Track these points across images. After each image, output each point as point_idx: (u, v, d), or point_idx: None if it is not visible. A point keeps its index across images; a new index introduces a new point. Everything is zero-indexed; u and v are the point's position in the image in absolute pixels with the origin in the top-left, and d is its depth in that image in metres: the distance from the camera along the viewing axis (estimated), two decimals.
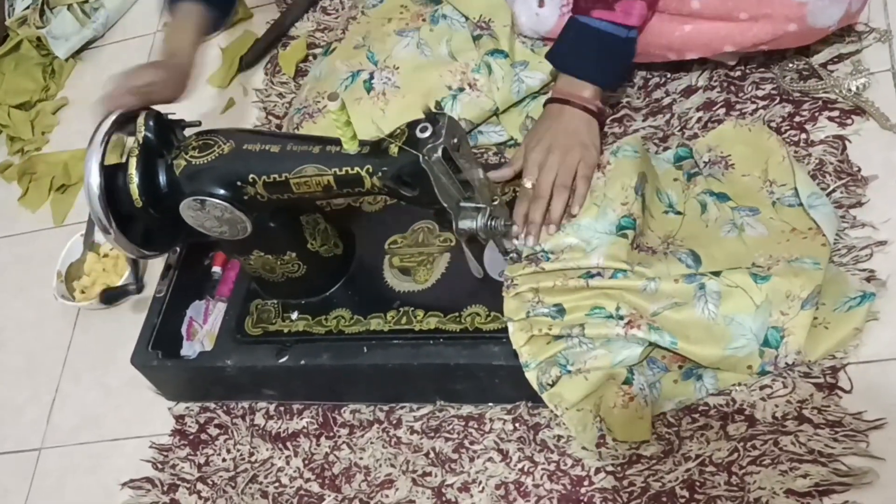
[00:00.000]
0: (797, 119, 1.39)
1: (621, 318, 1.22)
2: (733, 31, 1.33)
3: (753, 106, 1.43)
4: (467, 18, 1.58)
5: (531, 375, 1.25)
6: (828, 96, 1.39)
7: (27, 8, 2.29)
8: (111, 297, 1.67)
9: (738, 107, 1.44)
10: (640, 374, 1.23)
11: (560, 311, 1.25)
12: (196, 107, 1.76)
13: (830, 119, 1.38)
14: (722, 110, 1.45)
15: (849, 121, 1.37)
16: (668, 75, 1.52)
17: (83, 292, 1.75)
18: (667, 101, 1.50)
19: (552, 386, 1.24)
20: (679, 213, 1.33)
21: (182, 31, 1.48)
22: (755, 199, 1.31)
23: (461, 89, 1.54)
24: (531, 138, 1.37)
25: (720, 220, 1.30)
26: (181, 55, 1.45)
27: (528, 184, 1.33)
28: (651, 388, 1.23)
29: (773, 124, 1.40)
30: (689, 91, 1.49)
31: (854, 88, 1.37)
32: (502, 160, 1.54)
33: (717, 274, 1.21)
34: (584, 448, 1.26)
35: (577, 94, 1.36)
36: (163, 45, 1.50)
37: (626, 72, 1.41)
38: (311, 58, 1.89)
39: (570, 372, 1.24)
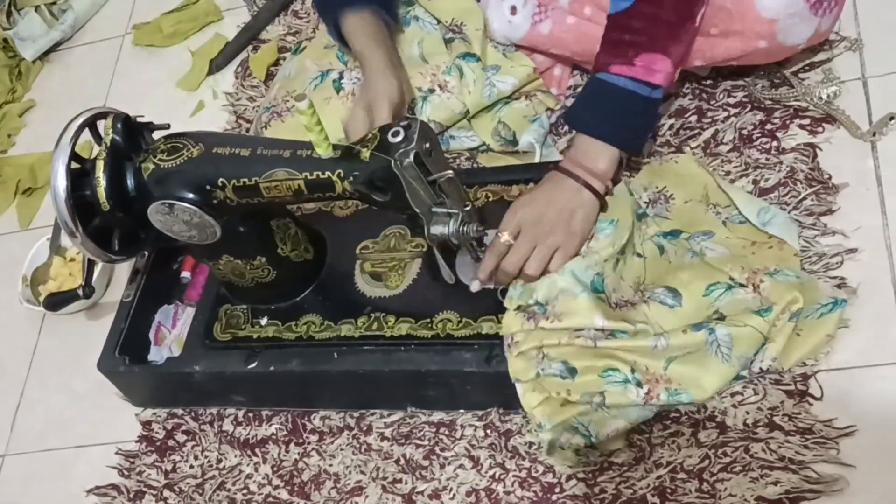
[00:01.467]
0: (768, 127, 1.40)
1: (639, 384, 1.19)
2: (703, 45, 1.33)
3: (725, 113, 1.44)
4: (439, 21, 1.57)
5: (545, 437, 1.22)
6: (799, 104, 1.40)
7: None
8: (55, 302, 1.55)
9: (709, 114, 1.44)
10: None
11: (571, 370, 1.22)
12: (164, 110, 1.74)
13: (801, 127, 1.38)
14: (693, 117, 1.45)
15: (820, 129, 1.37)
16: None
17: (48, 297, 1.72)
18: None
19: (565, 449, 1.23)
20: (640, 255, 1.31)
21: (378, 39, 1.42)
22: (705, 223, 1.30)
23: (431, 90, 1.53)
24: (525, 197, 1.29)
25: (679, 253, 1.30)
26: (392, 60, 1.40)
27: (503, 238, 1.25)
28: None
29: (745, 132, 1.40)
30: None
31: (825, 96, 1.38)
32: (474, 165, 1.53)
33: (722, 318, 1.20)
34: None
35: (590, 167, 1.27)
36: (369, 59, 1.40)
37: (647, 134, 1.34)
38: (281, 61, 1.87)
39: (593, 442, 1.22)
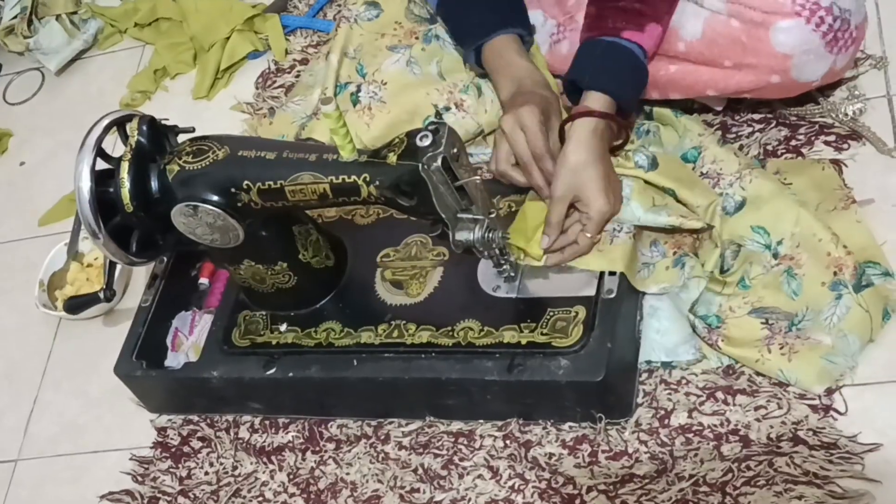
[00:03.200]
0: (793, 143, 1.40)
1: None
2: (717, 76, 1.33)
3: (750, 129, 1.43)
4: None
5: None
6: (824, 121, 1.39)
7: (15, 17, 2.27)
8: (75, 305, 1.56)
9: (734, 129, 1.44)
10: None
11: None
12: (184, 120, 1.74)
13: (827, 143, 1.38)
14: (718, 133, 1.44)
15: (845, 145, 1.37)
16: None
17: (65, 302, 1.72)
18: None
19: None
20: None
21: (519, 60, 1.41)
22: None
23: (447, 108, 1.53)
24: (581, 171, 1.27)
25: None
26: (540, 80, 1.39)
27: (593, 238, 1.28)
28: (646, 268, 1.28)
29: (770, 147, 1.40)
30: (685, 112, 1.48)
31: (850, 113, 1.37)
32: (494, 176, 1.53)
33: None
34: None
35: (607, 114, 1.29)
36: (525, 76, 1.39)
37: (640, 94, 1.36)
38: (300, 73, 1.88)
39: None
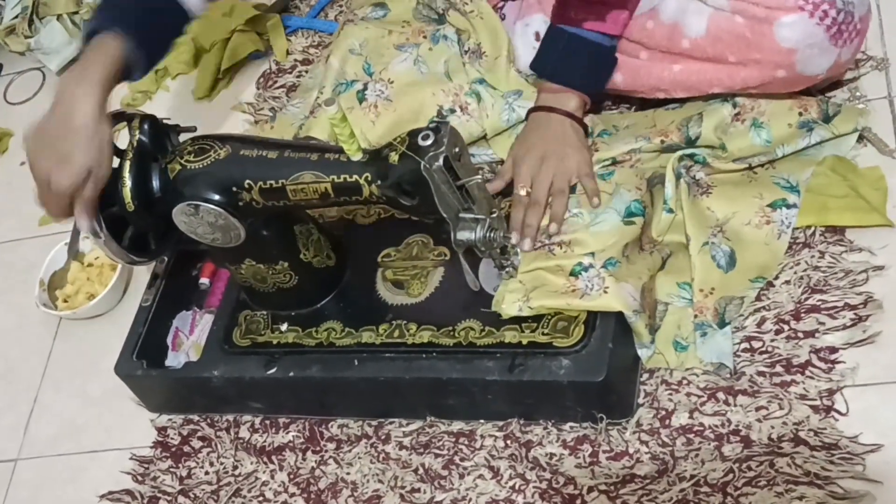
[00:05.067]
0: None
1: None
2: (721, 73, 1.33)
3: None
4: (461, 41, 1.57)
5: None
6: None
7: (16, 17, 2.27)
8: None
9: None
10: (593, 266, 1.26)
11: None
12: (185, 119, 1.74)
13: None
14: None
15: None
16: None
17: (66, 301, 1.72)
18: None
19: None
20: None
21: (91, 78, 1.25)
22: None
23: (452, 111, 1.53)
24: (520, 147, 1.41)
25: None
26: (88, 120, 1.24)
27: (521, 191, 1.35)
28: (598, 279, 1.25)
29: None
30: None
31: None
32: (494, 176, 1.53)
33: None
34: (496, 309, 1.28)
35: (562, 106, 1.39)
36: (63, 98, 1.25)
37: (608, 80, 1.42)
38: (302, 74, 1.88)
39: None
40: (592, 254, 1.27)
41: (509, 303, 1.27)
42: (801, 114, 1.33)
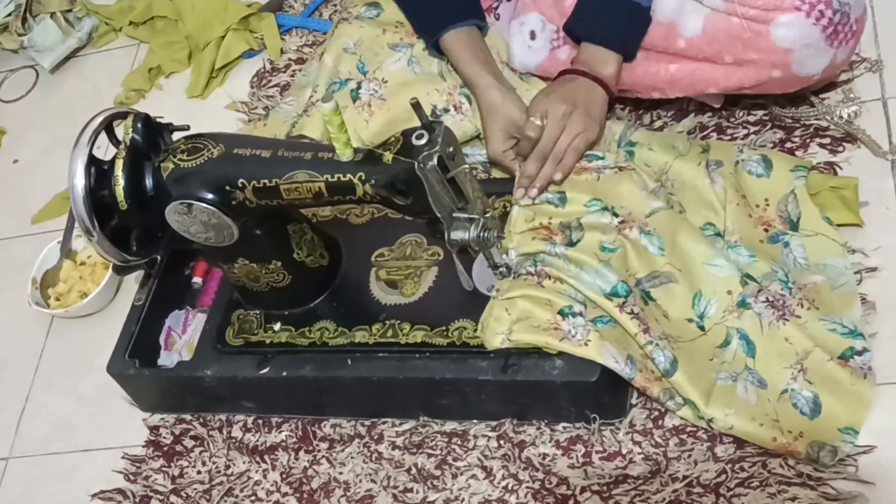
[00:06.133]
0: (788, 145, 1.40)
1: (616, 214, 1.26)
2: (717, 73, 1.33)
3: (745, 131, 1.44)
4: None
5: (511, 257, 1.30)
6: (819, 123, 1.40)
7: (9, 15, 2.26)
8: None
9: (729, 132, 1.44)
10: (582, 316, 1.23)
11: (563, 199, 1.31)
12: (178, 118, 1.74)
13: (822, 146, 1.38)
14: (714, 135, 1.45)
15: (840, 148, 1.37)
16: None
17: (58, 300, 1.72)
18: (658, 123, 1.50)
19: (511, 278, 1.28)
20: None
21: (484, 60, 1.48)
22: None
23: (446, 110, 1.53)
24: (545, 93, 1.39)
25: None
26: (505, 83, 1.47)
27: (537, 121, 1.35)
28: (584, 330, 1.22)
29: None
30: (680, 114, 1.49)
31: (845, 116, 1.38)
32: (490, 176, 1.53)
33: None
34: (479, 336, 1.26)
35: (598, 70, 1.37)
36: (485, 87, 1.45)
37: (641, 40, 1.38)
38: (296, 73, 1.87)
39: (536, 270, 1.26)
40: (584, 304, 1.24)
41: (492, 334, 1.25)
42: (766, 230, 1.30)
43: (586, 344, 1.20)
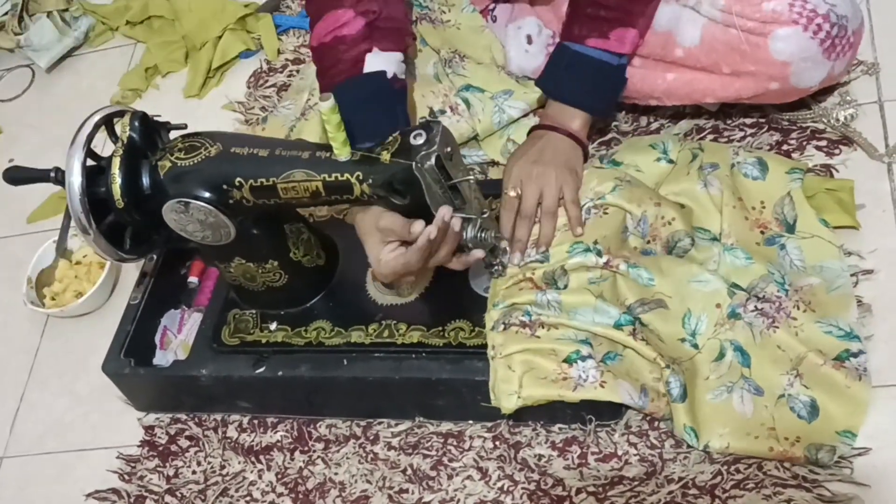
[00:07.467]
0: (785, 147, 1.40)
1: (600, 254, 1.25)
2: (715, 83, 1.34)
3: (741, 133, 1.44)
4: (439, 52, 1.57)
5: (494, 314, 1.27)
6: (816, 126, 1.40)
7: (5, 14, 2.26)
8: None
9: (725, 134, 1.45)
10: (592, 358, 1.22)
11: (546, 255, 1.30)
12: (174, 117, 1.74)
13: (818, 148, 1.39)
14: (710, 136, 1.45)
15: (836, 150, 1.38)
16: None
17: (53, 299, 1.71)
18: (655, 125, 1.50)
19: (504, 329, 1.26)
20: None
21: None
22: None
23: (443, 111, 1.53)
24: (514, 156, 1.36)
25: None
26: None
27: (511, 192, 1.32)
28: (596, 371, 1.22)
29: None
30: (677, 116, 1.49)
31: (842, 118, 1.38)
32: (487, 177, 1.53)
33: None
34: (491, 401, 1.25)
35: (566, 125, 1.35)
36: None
37: (616, 98, 1.39)
38: (294, 73, 1.87)
39: (530, 320, 1.25)
40: (591, 344, 1.23)
41: (505, 396, 1.23)
42: (762, 232, 1.30)
43: (602, 386, 1.20)
